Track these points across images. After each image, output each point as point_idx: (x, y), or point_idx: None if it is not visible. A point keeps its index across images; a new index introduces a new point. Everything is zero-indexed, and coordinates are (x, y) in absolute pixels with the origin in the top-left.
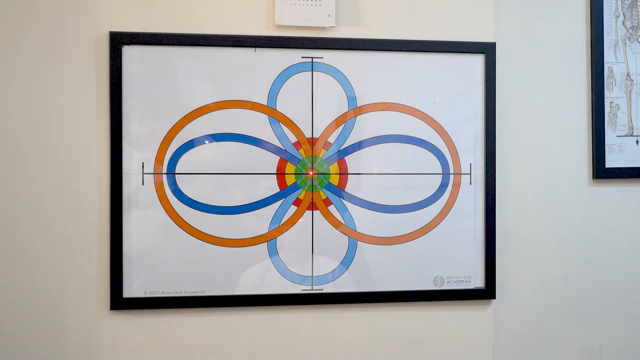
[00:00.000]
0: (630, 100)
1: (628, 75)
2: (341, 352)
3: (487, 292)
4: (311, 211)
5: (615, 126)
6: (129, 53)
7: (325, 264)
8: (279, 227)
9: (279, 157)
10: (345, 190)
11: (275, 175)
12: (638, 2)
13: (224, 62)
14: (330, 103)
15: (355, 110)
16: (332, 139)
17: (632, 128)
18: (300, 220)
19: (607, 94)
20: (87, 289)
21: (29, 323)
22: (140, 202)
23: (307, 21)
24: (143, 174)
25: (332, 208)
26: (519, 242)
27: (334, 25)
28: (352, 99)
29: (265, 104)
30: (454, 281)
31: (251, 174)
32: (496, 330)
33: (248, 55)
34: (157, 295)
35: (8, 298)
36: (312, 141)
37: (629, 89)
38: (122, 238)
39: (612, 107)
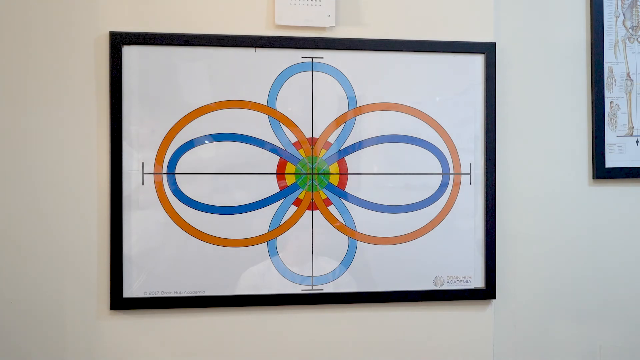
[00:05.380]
0: (630, 100)
1: (628, 75)
2: (341, 352)
3: (487, 292)
4: (311, 211)
5: (615, 126)
6: (129, 53)
7: (325, 264)
8: (279, 227)
9: (279, 157)
10: (345, 190)
11: (275, 175)
12: (638, 2)
13: (224, 62)
14: (330, 103)
15: (355, 110)
16: (332, 139)
17: (632, 128)
18: (300, 220)
19: (607, 94)
20: (87, 289)
21: (28, 323)
22: (140, 202)
23: (307, 21)
24: (143, 174)
25: (332, 208)
26: (519, 242)
27: (334, 25)
28: (352, 99)
29: (265, 104)
30: (454, 281)
31: (251, 174)
32: (496, 330)
33: (248, 55)
34: (157, 295)
35: (8, 298)
36: (312, 141)
37: (629, 89)
38: (122, 238)
39: (612, 107)
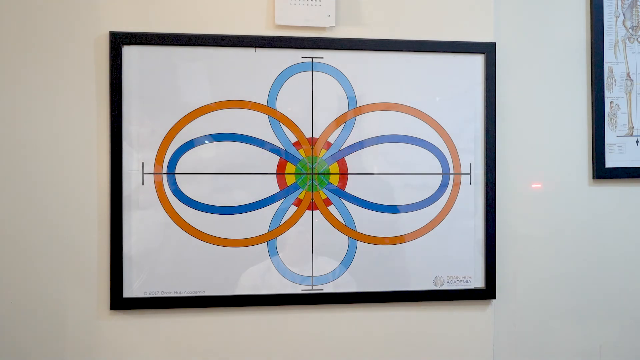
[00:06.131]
0: (630, 100)
1: (628, 75)
2: (341, 352)
3: (487, 292)
4: (311, 211)
5: (615, 126)
6: (129, 53)
7: (325, 264)
8: (279, 227)
9: (279, 157)
10: (345, 190)
11: (275, 175)
12: (638, 2)
13: (224, 62)
14: (330, 103)
15: (355, 110)
16: (332, 139)
17: (632, 128)
18: (300, 220)
19: (607, 94)
20: (87, 289)
21: (29, 323)
22: (140, 202)
23: (307, 21)
24: (143, 174)
25: (332, 208)
26: (519, 242)
27: (334, 25)
28: (352, 99)
29: (265, 104)
30: (454, 281)
31: (251, 174)
32: (496, 330)
33: (248, 55)
34: (157, 295)
35: (8, 298)
36: (312, 141)
37: (629, 89)
38: (122, 238)
39: (612, 107)
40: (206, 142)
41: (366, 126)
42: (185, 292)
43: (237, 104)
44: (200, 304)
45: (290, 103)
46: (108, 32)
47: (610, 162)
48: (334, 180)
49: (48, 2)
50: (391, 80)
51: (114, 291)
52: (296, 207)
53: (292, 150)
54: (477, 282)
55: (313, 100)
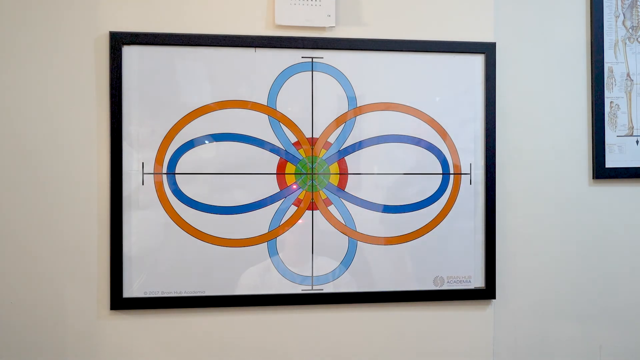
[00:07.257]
0: (630, 100)
1: (628, 75)
2: (341, 352)
3: (487, 292)
4: (311, 211)
5: (615, 126)
6: (129, 53)
7: (325, 264)
8: (279, 227)
9: (279, 157)
10: (345, 190)
11: (275, 175)
12: (638, 2)
13: (224, 62)
14: (330, 103)
15: (355, 110)
16: (332, 139)
17: (632, 128)
18: (300, 220)
19: (607, 94)
20: (87, 289)
21: (29, 323)
22: (140, 202)
23: (307, 21)
24: (143, 174)
25: (332, 208)
26: (519, 242)
27: (334, 25)
28: (352, 99)
29: (265, 104)
30: (454, 281)
31: (251, 174)
32: (496, 330)
33: (248, 55)
34: (157, 295)
35: (8, 298)
36: (312, 141)
37: (629, 89)
38: (122, 238)
39: (612, 107)
40: (206, 142)
41: (366, 126)
42: (185, 292)
43: (237, 104)
44: (200, 304)
45: (290, 103)
46: (108, 32)
47: (610, 162)
48: (334, 180)
49: (48, 2)
50: (391, 80)
51: (114, 291)
52: (296, 207)
53: (292, 150)
54: (477, 282)
55: (313, 100)
